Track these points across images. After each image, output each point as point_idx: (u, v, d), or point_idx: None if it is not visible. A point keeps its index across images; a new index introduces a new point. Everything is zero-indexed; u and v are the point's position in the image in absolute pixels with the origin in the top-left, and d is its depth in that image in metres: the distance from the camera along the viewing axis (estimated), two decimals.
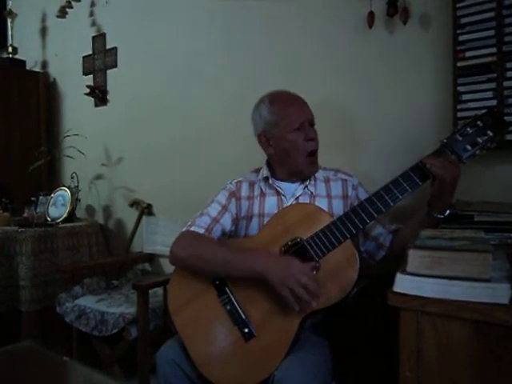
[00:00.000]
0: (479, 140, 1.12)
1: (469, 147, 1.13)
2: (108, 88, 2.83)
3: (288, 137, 1.35)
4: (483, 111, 1.16)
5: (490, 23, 1.46)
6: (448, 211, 1.18)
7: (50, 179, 3.07)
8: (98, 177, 2.88)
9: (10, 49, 3.13)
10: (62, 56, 3.12)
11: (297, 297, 1.12)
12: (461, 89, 1.52)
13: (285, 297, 1.14)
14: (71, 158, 2.79)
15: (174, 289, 1.36)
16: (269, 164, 1.47)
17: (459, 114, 1.52)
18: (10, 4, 3.15)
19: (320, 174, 1.43)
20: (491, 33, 1.46)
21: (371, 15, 1.72)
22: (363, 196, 1.36)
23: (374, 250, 1.38)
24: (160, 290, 1.99)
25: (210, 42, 2.32)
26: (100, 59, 2.86)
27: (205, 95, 2.34)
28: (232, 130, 2.17)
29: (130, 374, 2.01)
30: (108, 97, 2.83)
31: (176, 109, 2.47)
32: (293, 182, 1.42)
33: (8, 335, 1.95)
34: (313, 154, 1.37)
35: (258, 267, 1.18)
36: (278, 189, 1.41)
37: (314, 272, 1.18)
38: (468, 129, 1.13)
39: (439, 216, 1.18)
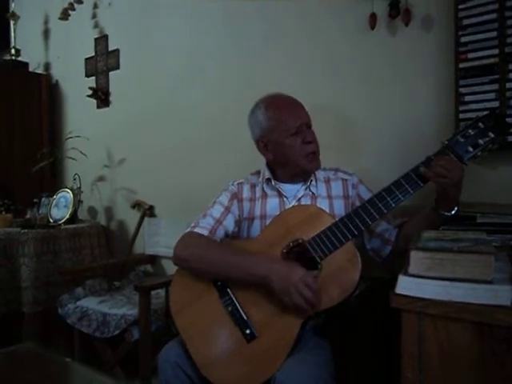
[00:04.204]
0: (481, 141, 1.12)
1: (470, 148, 1.13)
2: (110, 90, 2.84)
3: (286, 142, 1.35)
4: (485, 113, 1.16)
5: (492, 24, 1.46)
6: (456, 209, 1.19)
7: (53, 181, 3.08)
8: (100, 178, 2.88)
9: (13, 51, 3.13)
10: (64, 58, 3.14)
11: (296, 304, 1.14)
12: (463, 90, 1.53)
13: (285, 303, 1.16)
14: (73, 159, 2.80)
15: (176, 290, 1.36)
16: (269, 166, 1.47)
17: (461, 116, 1.53)
18: (12, 6, 3.16)
19: (321, 175, 1.43)
20: (493, 34, 1.46)
21: (373, 17, 1.73)
22: (364, 193, 1.37)
23: (380, 247, 1.38)
24: (162, 292, 1.99)
25: (212, 43, 2.32)
26: (102, 61, 2.86)
27: (207, 97, 2.34)
28: (234, 132, 2.16)
29: (131, 376, 2.01)
30: (110, 98, 2.84)
31: (178, 110, 2.47)
32: (295, 184, 1.42)
33: (10, 336, 1.96)
34: (313, 154, 1.37)
35: (260, 273, 1.18)
36: (280, 190, 1.41)
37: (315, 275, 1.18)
38: (470, 130, 1.13)
39: (447, 214, 1.19)
